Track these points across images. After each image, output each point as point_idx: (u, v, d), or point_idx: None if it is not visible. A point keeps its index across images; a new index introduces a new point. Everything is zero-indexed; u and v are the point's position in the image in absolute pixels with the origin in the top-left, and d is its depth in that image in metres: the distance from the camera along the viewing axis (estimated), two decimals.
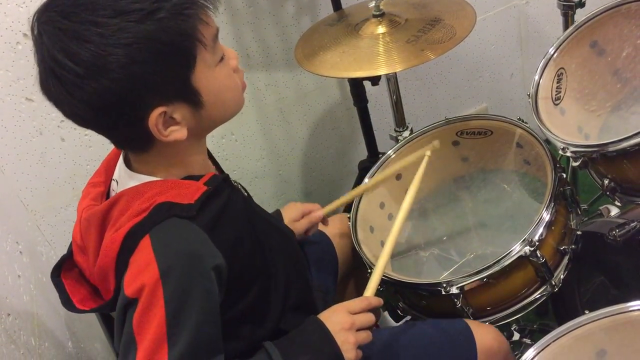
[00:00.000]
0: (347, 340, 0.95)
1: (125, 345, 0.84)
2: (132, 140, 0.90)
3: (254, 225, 0.99)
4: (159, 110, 0.84)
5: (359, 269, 1.43)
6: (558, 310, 1.49)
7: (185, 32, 0.83)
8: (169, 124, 0.87)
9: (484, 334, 1.15)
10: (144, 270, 0.84)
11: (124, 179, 0.95)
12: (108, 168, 1.01)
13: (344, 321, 0.97)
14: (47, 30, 0.80)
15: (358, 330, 0.98)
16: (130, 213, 0.87)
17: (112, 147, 1.01)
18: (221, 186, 0.94)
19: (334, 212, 1.38)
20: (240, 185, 1.06)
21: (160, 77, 0.82)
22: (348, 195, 1.40)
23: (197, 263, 0.86)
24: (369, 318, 1.02)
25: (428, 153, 1.29)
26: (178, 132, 0.87)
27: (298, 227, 1.27)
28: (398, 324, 1.41)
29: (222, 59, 0.91)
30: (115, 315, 0.87)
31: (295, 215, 1.29)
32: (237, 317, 0.95)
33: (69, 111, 0.85)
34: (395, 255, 1.44)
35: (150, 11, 0.79)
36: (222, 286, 0.90)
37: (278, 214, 1.28)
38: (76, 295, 0.97)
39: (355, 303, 1.02)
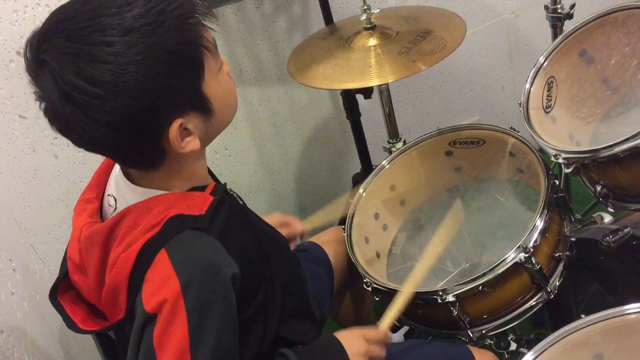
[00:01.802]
0: None
1: None
2: (146, 159, 0.89)
3: (253, 232, 0.99)
4: (178, 122, 0.84)
5: (355, 279, 1.43)
6: (554, 319, 1.49)
7: (192, 40, 0.83)
8: (184, 136, 0.87)
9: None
10: (164, 285, 0.83)
11: (126, 193, 0.93)
12: (99, 183, 1.00)
13: (360, 346, 1.00)
14: (55, 57, 0.78)
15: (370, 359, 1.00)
16: (142, 228, 0.87)
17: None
18: (224, 195, 0.95)
19: (316, 228, 1.38)
20: (235, 193, 1.06)
21: (175, 89, 0.82)
22: (328, 215, 1.41)
23: (216, 273, 0.86)
24: (382, 353, 1.04)
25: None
26: (193, 143, 0.87)
27: None
28: (396, 335, 1.41)
29: (220, 67, 0.92)
30: (133, 333, 0.85)
31: (274, 224, 1.29)
32: (244, 326, 0.94)
33: (87, 137, 0.82)
34: (390, 267, 1.44)
35: (157, 25, 0.79)
36: (236, 295, 0.89)
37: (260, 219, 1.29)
38: (76, 316, 0.95)
39: (372, 332, 1.04)
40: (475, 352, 1.17)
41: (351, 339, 1.00)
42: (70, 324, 0.95)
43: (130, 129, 0.81)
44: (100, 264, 0.90)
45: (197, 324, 0.83)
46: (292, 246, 1.33)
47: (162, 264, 0.84)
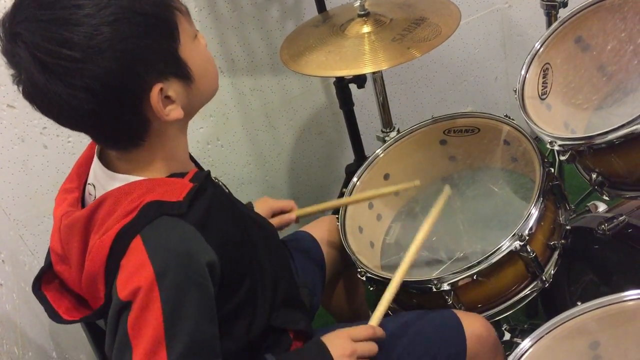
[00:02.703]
0: None
1: (120, 350, 0.82)
2: (128, 131, 0.87)
3: (238, 220, 0.98)
4: (158, 86, 0.83)
5: (348, 269, 1.42)
6: (548, 309, 1.48)
7: (163, 2, 0.84)
8: (166, 104, 0.86)
9: (473, 322, 1.14)
10: (138, 272, 0.82)
11: (104, 180, 0.92)
12: (80, 173, 0.99)
13: (345, 347, 0.99)
14: (28, 27, 0.78)
15: (359, 358, 0.99)
16: (118, 214, 0.85)
17: None
18: (205, 182, 0.94)
19: (308, 216, 1.37)
20: (221, 182, 1.05)
21: (151, 50, 0.82)
22: (327, 204, 1.39)
23: (192, 261, 0.85)
24: (371, 347, 1.03)
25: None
26: (176, 111, 0.87)
27: None
28: None
29: (195, 35, 0.92)
30: (108, 321, 0.84)
31: (266, 212, 1.28)
32: (230, 315, 0.94)
33: (67, 107, 0.81)
34: (384, 257, 1.43)
35: None
36: (215, 283, 0.88)
37: (251, 206, 1.27)
38: (61, 306, 0.94)
39: (359, 330, 1.03)
40: (462, 315, 1.14)
41: (336, 341, 0.99)
42: (54, 314, 0.94)
43: (109, 93, 0.80)
44: (81, 252, 0.89)
45: (172, 311, 0.82)
46: (284, 229, 1.32)
47: (137, 251, 0.83)
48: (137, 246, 0.84)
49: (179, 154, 0.96)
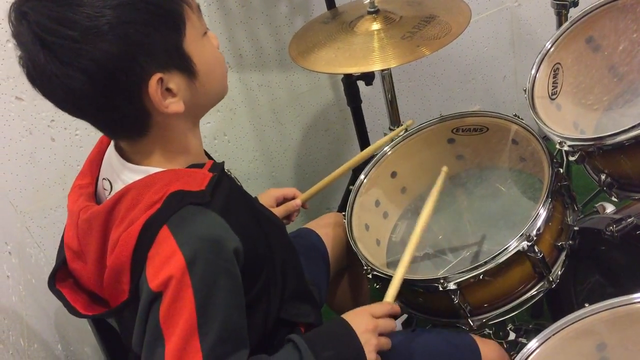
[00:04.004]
0: (369, 341, 0.97)
1: (150, 343, 0.82)
2: (129, 121, 0.87)
3: (252, 212, 0.98)
4: (157, 76, 0.82)
5: (353, 266, 1.42)
6: (554, 310, 1.48)
7: None
8: (166, 96, 0.85)
9: (489, 350, 1.16)
10: (168, 261, 0.82)
11: (124, 173, 0.91)
12: (92, 168, 0.98)
13: (367, 323, 0.99)
14: (33, 6, 0.78)
15: (380, 334, 1.00)
16: (142, 206, 0.85)
17: None
18: (222, 173, 0.94)
19: (313, 196, 1.37)
20: (233, 175, 1.05)
21: (152, 39, 0.81)
22: (326, 180, 1.40)
23: (220, 248, 0.85)
24: (391, 324, 1.03)
25: (445, 169, 1.30)
26: (176, 104, 0.86)
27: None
28: (395, 322, 1.40)
29: (205, 32, 0.91)
30: (138, 314, 0.84)
31: (270, 202, 1.28)
32: (248, 307, 0.93)
33: (64, 88, 0.80)
34: (389, 255, 1.43)
35: None
36: (240, 271, 0.88)
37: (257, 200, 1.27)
38: (77, 303, 0.94)
39: (378, 307, 1.04)
40: (479, 341, 1.16)
41: (357, 318, 1.00)
42: (72, 309, 0.93)
43: (106, 77, 0.79)
44: (100, 247, 0.88)
45: (204, 299, 0.81)
46: (294, 217, 1.33)
47: (166, 240, 0.83)
48: (165, 236, 0.83)
49: (193, 146, 0.95)
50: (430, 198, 1.20)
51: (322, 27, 1.51)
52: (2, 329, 1.16)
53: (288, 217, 1.33)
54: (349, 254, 1.40)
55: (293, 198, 1.34)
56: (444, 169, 1.29)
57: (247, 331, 0.89)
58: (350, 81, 1.70)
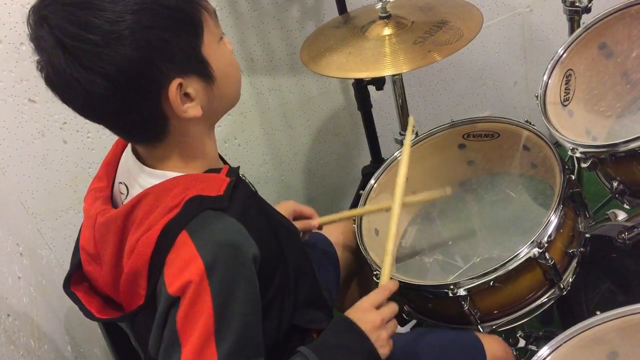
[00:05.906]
0: (380, 337, 0.97)
1: (168, 348, 0.82)
2: (147, 125, 0.87)
3: (267, 217, 0.98)
4: (177, 81, 0.83)
5: (362, 271, 1.41)
6: (564, 317, 1.47)
7: None
8: (185, 101, 0.86)
9: (493, 346, 1.15)
10: (187, 266, 0.81)
11: (141, 177, 0.91)
12: (108, 172, 0.98)
13: (374, 319, 0.99)
14: (54, 10, 0.78)
15: (386, 323, 1.00)
16: (161, 210, 0.85)
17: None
18: (238, 178, 0.94)
19: (329, 224, 1.35)
20: (247, 179, 1.05)
21: (172, 44, 0.82)
22: (348, 213, 1.40)
23: (240, 254, 0.85)
24: (394, 308, 1.03)
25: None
26: (194, 109, 0.86)
27: None
28: (403, 329, 1.40)
29: (221, 37, 0.91)
30: (156, 318, 0.84)
31: (287, 214, 1.27)
32: (262, 312, 0.92)
33: (84, 93, 0.80)
34: (399, 261, 1.43)
35: None
36: (257, 277, 0.88)
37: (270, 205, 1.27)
38: (91, 306, 0.94)
39: (377, 296, 1.03)
40: (483, 337, 1.15)
41: (363, 317, 0.99)
42: (87, 312, 0.93)
43: (126, 81, 0.80)
44: (117, 251, 0.88)
45: (222, 305, 0.81)
46: (307, 237, 1.31)
47: (185, 245, 0.83)
48: (184, 241, 0.83)
49: (209, 151, 0.95)
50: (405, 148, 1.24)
51: (333, 32, 1.51)
52: (13, 330, 1.16)
53: (302, 234, 1.31)
54: (359, 259, 1.40)
55: (309, 217, 1.32)
56: (411, 120, 1.32)
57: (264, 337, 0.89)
58: (360, 86, 1.70)
